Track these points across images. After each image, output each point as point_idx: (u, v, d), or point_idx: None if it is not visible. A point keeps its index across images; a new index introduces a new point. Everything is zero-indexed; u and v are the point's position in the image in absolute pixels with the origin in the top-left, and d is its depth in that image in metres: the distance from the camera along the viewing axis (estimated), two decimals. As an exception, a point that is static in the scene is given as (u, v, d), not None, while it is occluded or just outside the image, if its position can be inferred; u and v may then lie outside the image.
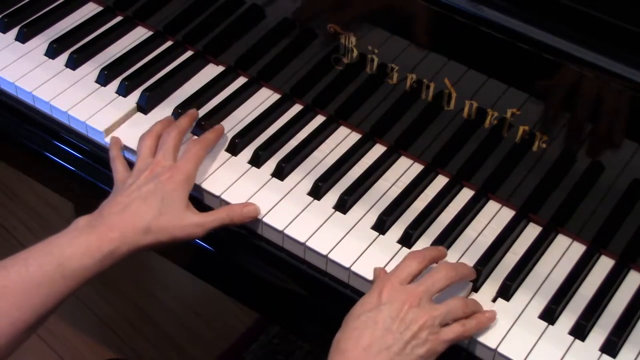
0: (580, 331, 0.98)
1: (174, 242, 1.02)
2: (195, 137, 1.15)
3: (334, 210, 1.09)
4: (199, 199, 1.12)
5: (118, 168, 1.09)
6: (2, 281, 0.93)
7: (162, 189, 1.02)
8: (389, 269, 1.01)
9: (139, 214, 1.00)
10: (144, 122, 1.18)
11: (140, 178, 1.04)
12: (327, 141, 1.19)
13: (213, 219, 1.04)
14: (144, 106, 1.21)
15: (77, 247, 0.96)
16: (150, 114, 1.20)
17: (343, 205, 1.09)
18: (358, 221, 1.08)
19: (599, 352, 0.97)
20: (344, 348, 0.90)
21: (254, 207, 1.07)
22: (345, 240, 1.06)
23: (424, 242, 1.06)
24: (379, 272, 1.01)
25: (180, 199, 1.03)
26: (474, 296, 1.01)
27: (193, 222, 1.02)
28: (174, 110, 1.19)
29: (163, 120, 1.15)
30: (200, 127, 1.17)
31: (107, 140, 1.15)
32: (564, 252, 1.07)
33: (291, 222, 1.07)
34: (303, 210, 1.09)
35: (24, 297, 0.93)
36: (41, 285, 0.93)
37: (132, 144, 1.13)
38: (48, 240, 0.97)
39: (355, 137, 1.19)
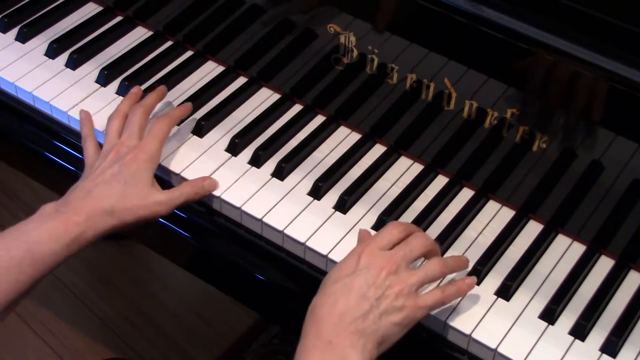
0: (580, 331, 0.98)
1: (140, 221, 1.03)
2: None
3: (334, 210, 1.09)
4: (199, 200, 1.12)
5: (88, 149, 1.10)
6: None
7: (126, 170, 1.03)
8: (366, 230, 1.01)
9: (102, 197, 1.01)
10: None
11: (105, 161, 1.05)
12: (327, 141, 1.19)
13: (178, 195, 1.05)
14: (144, 106, 1.21)
15: (45, 232, 0.97)
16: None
17: (343, 205, 1.09)
18: (358, 221, 1.08)
19: (599, 352, 0.97)
20: (319, 315, 0.90)
21: (213, 181, 1.09)
22: (345, 241, 1.06)
23: (424, 242, 1.06)
24: (363, 234, 1.01)
25: (144, 178, 1.04)
26: (474, 293, 1.01)
27: (156, 201, 1.03)
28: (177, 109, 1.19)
29: (129, 96, 1.15)
30: (200, 127, 1.17)
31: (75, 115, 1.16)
32: (564, 252, 1.07)
33: (291, 222, 1.07)
34: (303, 210, 1.09)
35: None
36: (10, 271, 0.95)
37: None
38: (16, 226, 0.99)
39: (355, 137, 1.19)
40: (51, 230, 0.98)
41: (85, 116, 1.14)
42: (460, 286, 0.96)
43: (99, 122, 1.17)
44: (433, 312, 0.99)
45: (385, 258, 0.93)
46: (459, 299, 1.00)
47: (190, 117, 1.18)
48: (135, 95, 1.15)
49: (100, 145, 1.10)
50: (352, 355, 0.87)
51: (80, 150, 1.19)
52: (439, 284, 0.99)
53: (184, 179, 1.11)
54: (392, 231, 0.97)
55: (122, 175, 1.03)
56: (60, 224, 0.98)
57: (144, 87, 1.22)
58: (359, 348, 0.88)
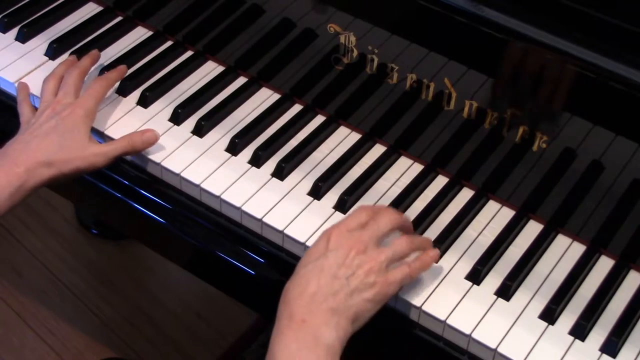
0: (580, 331, 0.98)
1: (77, 173, 1.07)
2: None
3: (334, 210, 1.09)
4: (199, 199, 1.12)
5: (24, 111, 1.14)
6: None
7: (63, 124, 1.07)
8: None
9: (40, 148, 1.05)
10: (142, 120, 1.18)
11: (42, 117, 1.09)
12: (327, 141, 1.19)
13: (115, 147, 1.09)
14: (144, 106, 1.20)
15: None
16: (150, 113, 1.20)
17: (343, 205, 1.09)
18: (358, 221, 1.08)
19: (599, 352, 0.97)
20: (291, 297, 0.91)
21: (153, 133, 1.12)
22: (345, 240, 1.06)
23: (424, 242, 1.06)
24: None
25: (81, 131, 1.08)
26: (474, 293, 1.01)
27: (94, 152, 1.07)
28: (174, 110, 1.19)
29: (65, 61, 1.20)
30: (200, 127, 1.17)
31: (108, 134, 1.16)
32: (564, 252, 1.07)
33: (291, 222, 1.07)
34: (303, 210, 1.09)
35: None
36: None
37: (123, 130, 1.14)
38: None
39: (355, 137, 1.19)
40: None
41: (23, 86, 1.19)
42: (424, 260, 0.98)
43: (100, 122, 1.17)
44: (433, 313, 0.99)
45: (353, 238, 0.94)
46: (459, 299, 1.00)
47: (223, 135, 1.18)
48: (71, 61, 1.20)
49: (36, 109, 1.14)
50: (326, 332, 0.88)
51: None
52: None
53: (184, 179, 1.11)
54: (360, 214, 0.98)
55: (59, 128, 1.07)
56: (2, 175, 1.02)
57: (144, 87, 1.22)
58: (333, 325, 0.89)
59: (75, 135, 1.07)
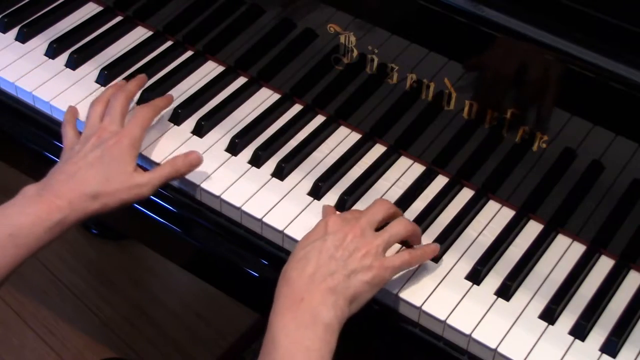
0: (580, 331, 0.98)
1: (123, 205, 1.03)
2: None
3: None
4: (198, 199, 1.12)
5: (68, 133, 1.10)
6: None
7: (109, 154, 1.03)
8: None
9: (85, 180, 1.01)
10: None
11: (87, 144, 1.05)
12: (327, 141, 1.19)
13: (159, 175, 1.05)
14: (144, 106, 1.21)
15: (27, 216, 0.97)
16: (150, 114, 1.20)
17: (343, 206, 1.09)
18: (358, 221, 1.08)
19: (599, 352, 0.97)
20: (289, 277, 0.92)
21: (196, 155, 1.08)
22: (345, 240, 1.06)
23: (424, 241, 1.06)
24: (327, 208, 1.04)
25: (127, 162, 1.04)
26: (474, 293, 1.01)
27: (137, 183, 1.03)
28: (174, 110, 1.19)
29: (113, 85, 1.16)
30: (200, 127, 1.17)
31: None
32: (564, 252, 1.07)
33: (291, 222, 1.07)
34: (303, 210, 1.09)
35: None
36: None
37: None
38: None
39: (355, 137, 1.19)
40: (34, 214, 0.98)
41: (71, 108, 1.15)
42: (425, 250, 1.00)
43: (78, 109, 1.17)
44: (433, 313, 0.99)
45: (350, 224, 0.96)
46: (459, 299, 1.00)
47: (223, 135, 1.18)
48: (119, 86, 1.16)
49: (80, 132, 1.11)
50: (324, 311, 0.89)
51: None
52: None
53: (184, 179, 1.11)
54: (356, 210, 1.01)
55: (105, 159, 1.03)
56: (43, 207, 0.98)
57: (145, 86, 1.22)
58: (331, 305, 0.90)
59: (121, 166, 1.03)
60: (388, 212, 0.99)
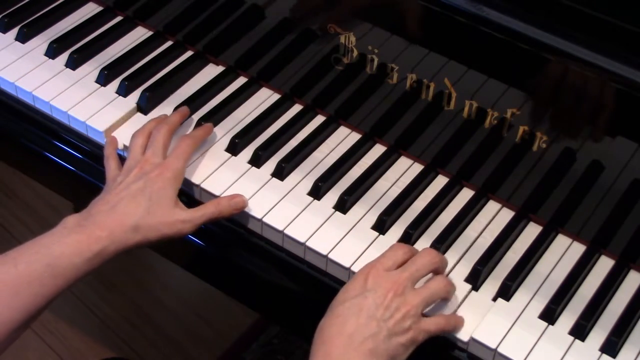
0: (580, 331, 0.98)
1: (163, 239, 1.02)
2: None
3: (334, 210, 1.09)
4: (198, 200, 1.12)
5: (110, 166, 1.09)
6: None
7: (151, 186, 1.02)
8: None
9: (127, 212, 1.00)
10: (144, 122, 1.18)
11: (129, 176, 1.04)
12: (327, 141, 1.19)
13: (201, 214, 1.04)
14: (144, 106, 1.21)
15: (66, 246, 0.96)
16: (150, 114, 1.20)
17: (343, 205, 1.09)
18: (358, 221, 1.08)
19: (599, 352, 0.97)
20: (328, 335, 0.90)
21: (241, 199, 1.07)
22: (345, 240, 1.06)
23: (424, 242, 1.06)
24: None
25: (169, 196, 1.03)
26: (474, 296, 1.01)
27: (181, 219, 1.02)
28: (173, 110, 1.19)
29: (156, 118, 1.15)
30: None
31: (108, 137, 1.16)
32: (564, 252, 1.07)
33: (291, 222, 1.07)
34: (303, 210, 1.09)
35: (13, 296, 0.93)
36: (30, 285, 0.93)
37: (128, 140, 1.13)
38: (37, 239, 0.98)
39: (355, 137, 1.19)
40: (73, 244, 0.96)
41: (111, 140, 1.14)
42: (460, 319, 0.98)
43: (99, 122, 1.17)
44: (433, 313, 0.99)
45: (391, 279, 0.94)
46: (460, 300, 1.00)
47: (223, 135, 1.17)
48: (161, 118, 1.15)
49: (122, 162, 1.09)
50: None
51: (80, 150, 1.19)
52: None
53: (184, 179, 1.11)
54: (396, 252, 0.97)
55: (147, 191, 1.01)
56: (83, 238, 0.97)
57: (144, 86, 1.22)
58: None
59: (163, 199, 1.01)
60: (432, 268, 0.97)
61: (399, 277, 0.94)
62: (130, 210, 1.00)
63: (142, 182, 1.02)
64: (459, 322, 0.98)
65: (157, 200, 1.01)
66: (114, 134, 1.16)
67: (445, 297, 0.98)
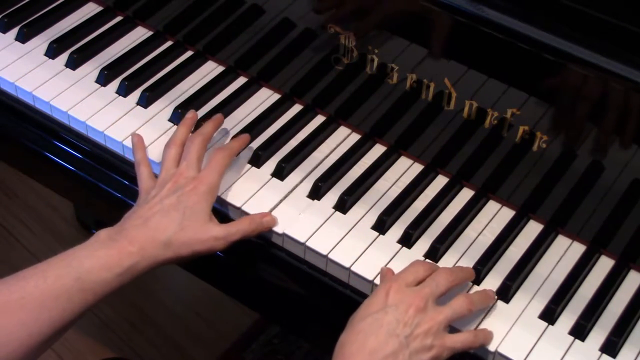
0: (580, 331, 0.98)
1: (195, 256, 1.00)
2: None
3: (334, 210, 1.09)
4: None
5: (143, 175, 1.07)
6: (20, 292, 0.91)
7: (185, 201, 1.00)
8: (389, 268, 1.01)
9: (160, 228, 0.98)
10: (144, 118, 1.18)
11: (163, 190, 1.02)
12: (327, 141, 1.19)
13: (235, 231, 1.02)
14: (144, 106, 1.21)
15: (97, 260, 0.95)
16: (149, 114, 1.20)
17: (343, 205, 1.09)
18: (358, 221, 1.08)
19: (599, 352, 0.97)
20: (348, 352, 0.89)
21: (272, 218, 1.06)
22: (345, 240, 1.06)
23: (424, 242, 1.06)
24: (385, 272, 1.00)
25: (203, 211, 1.01)
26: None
27: (214, 236, 1.00)
28: (173, 110, 1.19)
29: (185, 122, 1.12)
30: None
31: (108, 135, 1.15)
32: (564, 252, 1.07)
33: (291, 222, 1.07)
34: (303, 211, 1.09)
35: (41, 309, 0.91)
36: (59, 298, 0.92)
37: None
38: (68, 252, 0.96)
39: (355, 137, 1.19)
40: (104, 259, 0.95)
41: (138, 140, 1.11)
42: (489, 334, 0.96)
43: (99, 122, 1.17)
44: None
45: (412, 295, 0.93)
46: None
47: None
48: (191, 120, 1.12)
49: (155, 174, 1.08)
50: None
51: (80, 150, 1.19)
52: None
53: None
54: (418, 268, 0.97)
55: (181, 206, 1.00)
56: (114, 253, 0.96)
57: (144, 86, 1.22)
58: None
59: (197, 215, 0.99)
60: (452, 284, 0.96)
61: (421, 292, 0.93)
62: (163, 226, 0.98)
63: (176, 198, 1.01)
64: (487, 337, 0.96)
65: (191, 216, 1.00)
66: (117, 129, 1.15)
67: (468, 315, 0.96)
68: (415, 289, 0.94)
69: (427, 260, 1.03)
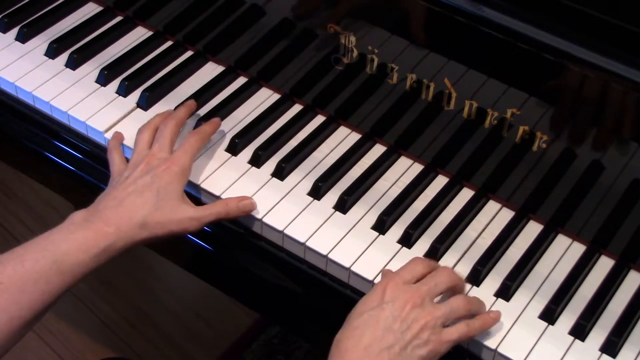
0: (580, 331, 0.98)
1: (170, 236, 1.02)
2: None
3: (334, 210, 1.09)
4: (198, 199, 1.12)
5: (114, 160, 1.08)
6: None
7: (158, 182, 1.02)
8: (389, 269, 1.01)
9: (134, 208, 0.99)
10: (144, 118, 1.18)
11: (136, 171, 1.03)
12: (327, 141, 1.19)
13: (209, 213, 1.04)
14: (144, 106, 1.21)
15: (73, 242, 0.96)
16: (149, 114, 1.20)
17: (343, 205, 1.09)
18: (358, 221, 1.08)
19: (599, 352, 0.97)
20: (344, 348, 0.89)
21: (250, 202, 1.07)
22: (345, 240, 1.06)
23: (424, 242, 1.06)
24: (384, 270, 1.01)
25: (176, 191, 1.02)
26: (474, 293, 1.01)
27: (189, 216, 1.02)
28: (174, 110, 1.19)
29: (162, 113, 1.15)
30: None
31: (108, 136, 1.16)
32: (564, 252, 1.07)
33: (291, 222, 1.07)
34: (303, 210, 1.09)
35: (20, 293, 0.92)
36: (37, 282, 0.93)
37: (131, 140, 1.13)
38: (44, 235, 0.97)
39: (355, 137, 1.19)
40: (80, 240, 0.96)
41: (117, 134, 1.13)
42: (485, 319, 0.96)
43: (99, 122, 1.17)
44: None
45: (410, 291, 0.93)
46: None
47: (220, 132, 1.17)
48: (168, 113, 1.14)
49: (127, 158, 1.09)
50: None
51: (80, 150, 1.19)
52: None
53: (184, 179, 1.11)
54: (416, 266, 0.97)
55: (154, 187, 1.01)
56: (90, 234, 0.96)
57: (144, 87, 1.22)
58: None
59: (171, 195, 1.01)
60: (452, 285, 0.96)
61: (418, 289, 0.93)
62: (137, 206, 0.99)
63: (149, 177, 1.02)
64: (485, 323, 0.96)
65: (165, 196, 1.01)
66: (117, 128, 1.16)
67: (467, 315, 0.95)
68: (413, 286, 0.94)
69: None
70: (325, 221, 1.08)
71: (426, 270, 0.97)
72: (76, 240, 0.96)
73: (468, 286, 1.02)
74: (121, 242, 0.98)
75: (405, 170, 1.15)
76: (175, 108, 1.19)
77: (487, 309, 0.99)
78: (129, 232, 0.98)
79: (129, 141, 1.14)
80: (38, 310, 0.94)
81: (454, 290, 0.98)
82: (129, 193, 1.00)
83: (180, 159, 1.04)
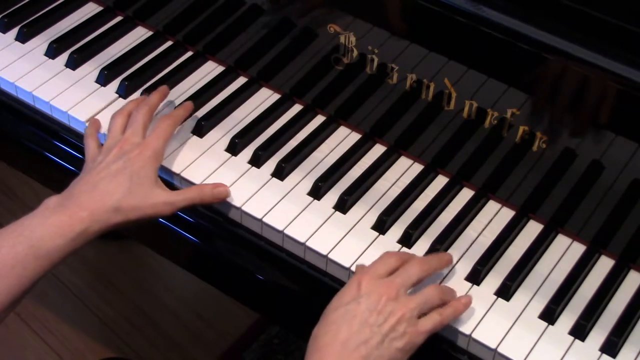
0: (580, 331, 0.98)
1: (143, 219, 1.03)
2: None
3: (334, 210, 1.09)
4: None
5: (90, 145, 1.09)
6: None
7: (131, 166, 1.03)
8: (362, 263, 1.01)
9: (108, 192, 1.00)
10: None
11: (109, 156, 1.04)
12: (327, 141, 1.19)
13: (183, 198, 1.05)
14: (144, 106, 1.21)
15: (48, 227, 0.96)
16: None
17: (343, 205, 1.09)
18: (358, 221, 1.08)
19: (599, 352, 0.97)
20: (321, 343, 0.90)
21: (224, 189, 1.08)
22: (345, 240, 1.06)
23: (424, 242, 1.06)
24: (358, 265, 1.01)
25: (149, 175, 1.03)
26: (474, 293, 1.01)
27: (162, 201, 1.03)
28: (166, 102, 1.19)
29: (135, 99, 1.15)
30: (200, 127, 1.17)
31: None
32: (564, 252, 1.07)
33: (291, 222, 1.07)
34: (303, 210, 1.09)
35: None
36: (14, 268, 0.94)
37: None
38: (19, 221, 0.98)
39: (355, 137, 1.19)
40: (55, 225, 0.97)
41: (94, 121, 1.15)
42: (456, 307, 0.97)
43: (101, 122, 1.17)
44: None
45: (385, 285, 0.93)
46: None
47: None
48: (141, 99, 1.15)
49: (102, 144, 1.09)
50: None
51: (80, 150, 1.19)
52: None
53: (184, 179, 1.11)
54: (389, 259, 0.98)
55: (128, 171, 1.02)
56: (65, 219, 0.97)
57: (144, 87, 1.23)
58: None
59: (144, 179, 1.02)
60: (424, 275, 0.97)
61: (392, 282, 0.94)
62: (111, 190, 1.00)
63: (122, 162, 1.03)
64: (457, 310, 0.97)
65: (138, 180, 1.02)
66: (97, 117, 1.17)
67: (442, 303, 0.96)
68: (387, 279, 0.95)
69: (403, 249, 1.03)
70: (325, 221, 1.08)
71: (399, 263, 0.97)
72: (51, 225, 0.97)
73: (468, 284, 1.02)
74: (96, 225, 0.99)
75: (405, 170, 1.15)
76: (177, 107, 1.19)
77: (457, 294, 0.99)
78: (103, 216, 0.99)
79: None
80: (15, 295, 0.95)
81: (431, 273, 0.98)
82: (102, 177, 1.02)
83: (153, 143, 1.06)
